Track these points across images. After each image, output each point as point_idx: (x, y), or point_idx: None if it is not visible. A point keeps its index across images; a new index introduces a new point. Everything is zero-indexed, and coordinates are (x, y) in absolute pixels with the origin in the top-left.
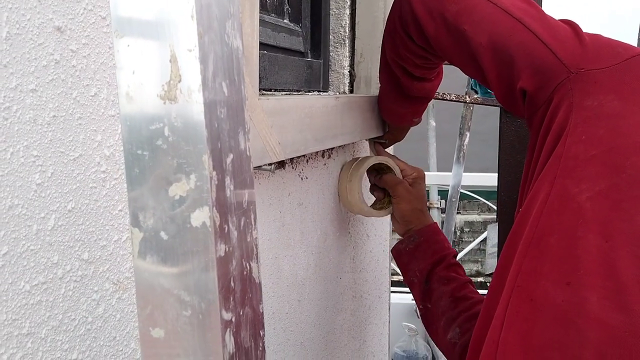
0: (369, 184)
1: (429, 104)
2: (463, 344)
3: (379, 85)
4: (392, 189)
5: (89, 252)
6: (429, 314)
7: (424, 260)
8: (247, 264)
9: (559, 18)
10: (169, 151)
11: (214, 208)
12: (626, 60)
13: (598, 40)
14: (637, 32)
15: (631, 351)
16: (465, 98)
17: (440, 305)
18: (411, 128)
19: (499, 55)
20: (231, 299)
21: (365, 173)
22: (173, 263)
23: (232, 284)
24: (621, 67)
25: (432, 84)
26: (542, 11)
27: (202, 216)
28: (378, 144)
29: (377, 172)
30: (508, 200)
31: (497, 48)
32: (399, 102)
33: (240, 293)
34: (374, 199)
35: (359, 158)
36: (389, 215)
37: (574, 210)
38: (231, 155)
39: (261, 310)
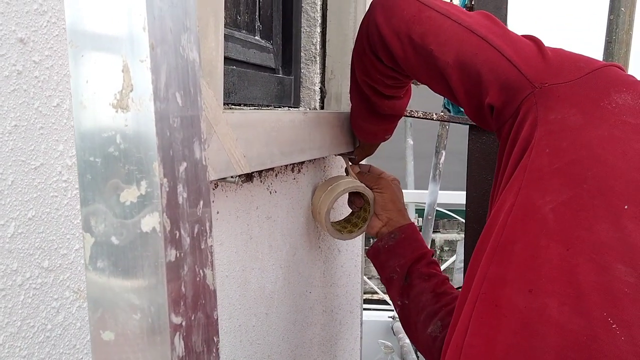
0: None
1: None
2: (444, 337)
3: (350, 103)
4: (375, 181)
5: (49, 260)
6: (407, 309)
7: (403, 257)
8: (201, 271)
9: (522, 34)
10: (121, 158)
11: (164, 214)
12: (587, 75)
13: (561, 55)
14: (603, 46)
15: (591, 355)
16: (432, 115)
17: (422, 300)
18: (390, 147)
19: (466, 73)
20: (181, 303)
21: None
22: (124, 268)
23: (183, 289)
24: (583, 81)
25: (402, 102)
26: (506, 28)
27: (152, 222)
28: (352, 165)
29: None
30: (474, 216)
31: (464, 66)
32: (370, 120)
33: (192, 298)
34: (347, 216)
35: (333, 179)
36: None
37: (537, 220)
38: (185, 164)
39: (215, 317)
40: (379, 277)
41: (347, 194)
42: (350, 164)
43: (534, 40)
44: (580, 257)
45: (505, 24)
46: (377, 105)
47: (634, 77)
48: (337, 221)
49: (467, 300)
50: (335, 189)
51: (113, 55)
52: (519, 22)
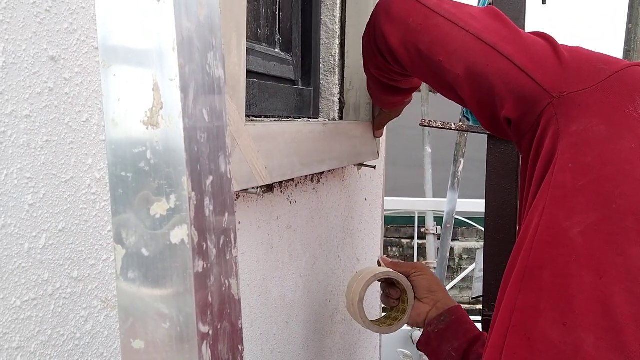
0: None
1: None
2: None
3: (368, 97)
4: (412, 267)
5: (79, 270)
6: None
7: (457, 339)
8: (227, 281)
9: (533, 31)
10: (151, 173)
11: (193, 226)
12: (608, 78)
13: (579, 56)
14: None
15: None
16: (451, 125)
17: None
18: (408, 155)
19: (478, 85)
20: (209, 312)
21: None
22: (153, 278)
23: (210, 298)
24: (604, 86)
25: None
26: (517, 29)
27: (181, 234)
28: (383, 257)
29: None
30: (493, 225)
31: (475, 78)
32: (387, 93)
33: (219, 308)
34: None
35: (364, 270)
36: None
37: (566, 245)
38: (211, 177)
39: (240, 326)
40: None
41: (381, 287)
42: (381, 255)
43: (547, 40)
44: (614, 287)
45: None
46: (393, 85)
47: None
48: (376, 319)
49: (495, 329)
50: (366, 276)
51: (144, 74)
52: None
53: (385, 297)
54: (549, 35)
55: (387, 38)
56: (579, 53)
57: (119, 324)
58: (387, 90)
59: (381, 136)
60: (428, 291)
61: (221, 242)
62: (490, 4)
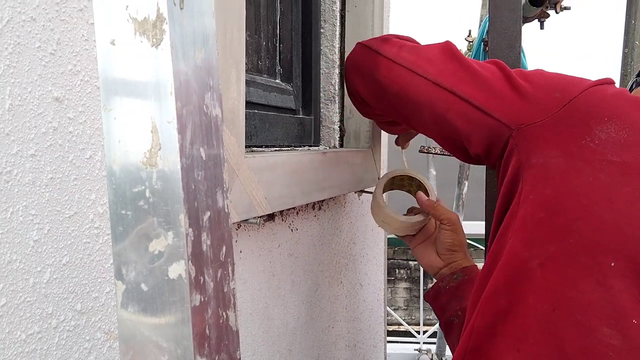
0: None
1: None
2: None
3: (368, 125)
4: (445, 214)
5: (82, 303)
6: None
7: (466, 299)
8: (224, 313)
9: (489, 60)
10: (150, 211)
11: (190, 261)
12: (563, 107)
13: (535, 85)
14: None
15: None
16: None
17: None
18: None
19: (444, 128)
20: (206, 345)
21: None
22: (152, 312)
23: (207, 331)
24: (561, 115)
25: None
26: (471, 67)
27: (178, 269)
28: (423, 198)
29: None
30: None
31: (440, 123)
32: (391, 127)
33: (216, 340)
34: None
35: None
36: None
37: (524, 275)
38: (208, 213)
39: (238, 357)
40: (405, 307)
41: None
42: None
43: (502, 71)
44: (566, 320)
45: (519, 61)
46: (391, 120)
47: (623, 93)
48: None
49: (456, 352)
50: (392, 173)
51: (143, 117)
52: (533, 55)
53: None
54: (502, 64)
55: (359, 93)
56: (536, 81)
57: (119, 356)
58: (389, 125)
59: (407, 148)
60: (448, 250)
61: (218, 275)
62: (486, 32)
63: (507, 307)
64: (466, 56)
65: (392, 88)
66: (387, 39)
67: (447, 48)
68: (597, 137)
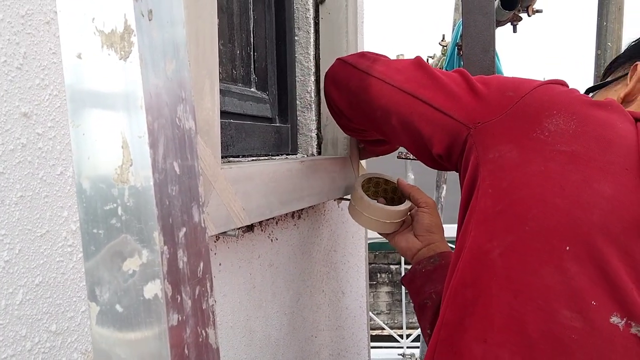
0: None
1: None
2: None
3: (346, 147)
4: (423, 198)
5: (57, 324)
6: None
7: (440, 283)
8: (203, 331)
9: (454, 69)
10: (123, 229)
11: (166, 280)
12: (516, 104)
13: (491, 87)
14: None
15: None
16: None
17: None
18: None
19: (409, 131)
20: None
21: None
22: (128, 333)
23: (186, 351)
24: (513, 112)
25: None
26: (435, 74)
27: (154, 288)
28: (404, 182)
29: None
30: None
31: (405, 126)
32: (376, 146)
33: (196, 359)
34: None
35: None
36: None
37: (486, 266)
38: (184, 229)
39: None
40: (387, 312)
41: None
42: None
43: (463, 76)
44: (528, 305)
45: (493, 65)
46: (370, 140)
47: (573, 91)
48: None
49: (429, 345)
50: (371, 173)
51: (112, 132)
52: (508, 58)
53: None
54: (465, 72)
55: (336, 102)
56: (493, 84)
57: None
58: (369, 144)
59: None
60: (426, 230)
61: (196, 292)
62: (460, 36)
63: (473, 299)
64: (439, 62)
65: (364, 96)
66: (364, 54)
67: (416, 61)
68: (547, 129)
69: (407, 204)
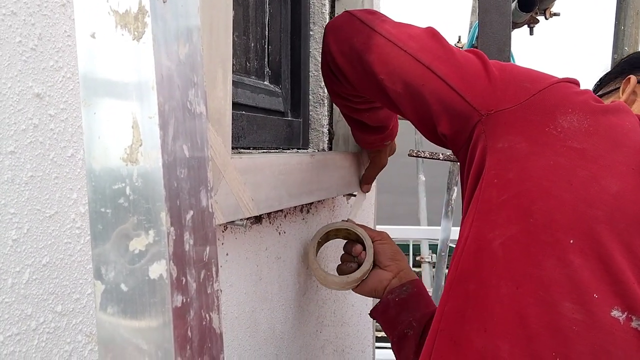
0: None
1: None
2: None
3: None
4: (377, 234)
5: (63, 305)
6: None
7: (419, 310)
8: (207, 315)
9: (468, 49)
10: (130, 209)
11: (171, 261)
12: (532, 96)
13: (507, 75)
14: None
15: None
16: (439, 155)
17: None
18: (402, 183)
19: (415, 103)
20: (188, 347)
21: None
22: (132, 313)
23: (190, 333)
24: (528, 104)
25: (385, 112)
26: (451, 49)
27: (159, 269)
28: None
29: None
30: None
31: (413, 96)
32: (361, 131)
33: (199, 342)
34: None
35: (328, 225)
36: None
37: (488, 256)
38: (191, 212)
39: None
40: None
41: (345, 241)
42: (350, 217)
43: (479, 58)
44: (529, 297)
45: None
46: (359, 119)
47: (586, 92)
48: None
49: (428, 335)
50: (329, 227)
51: (123, 112)
52: (523, 61)
53: (345, 254)
54: (481, 53)
55: (334, 56)
56: (508, 71)
57: (98, 359)
58: (357, 125)
59: (369, 191)
60: (391, 259)
61: (202, 276)
62: (476, 38)
63: (474, 289)
64: None
65: (369, 56)
66: (374, 12)
67: (430, 30)
68: (560, 126)
69: (365, 266)
